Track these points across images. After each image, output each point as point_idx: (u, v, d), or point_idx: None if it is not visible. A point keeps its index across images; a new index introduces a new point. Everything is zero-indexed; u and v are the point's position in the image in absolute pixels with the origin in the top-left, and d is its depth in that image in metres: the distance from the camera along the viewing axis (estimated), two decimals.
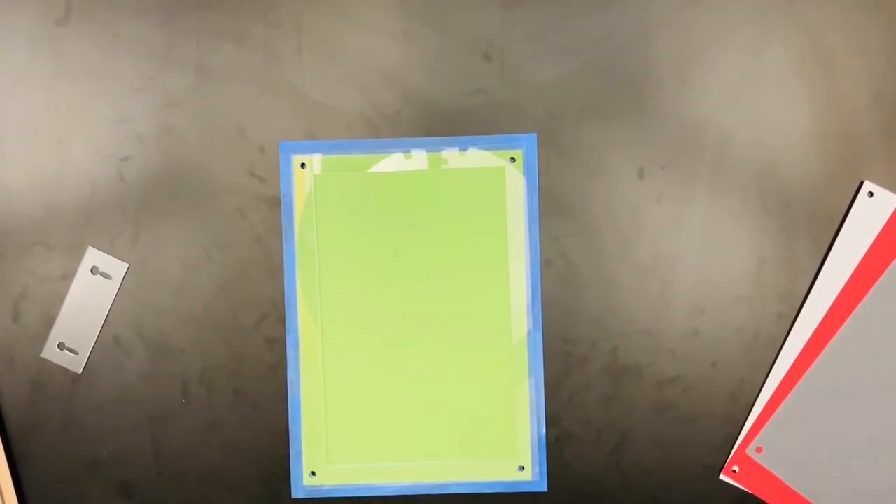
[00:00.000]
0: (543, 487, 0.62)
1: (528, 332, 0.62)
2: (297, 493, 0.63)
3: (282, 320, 0.62)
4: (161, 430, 0.63)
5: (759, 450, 0.62)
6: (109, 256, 0.63)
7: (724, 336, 0.62)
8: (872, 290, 0.61)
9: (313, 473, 0.62)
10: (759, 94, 0.62)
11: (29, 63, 0.62)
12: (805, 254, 0.62)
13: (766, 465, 0.62)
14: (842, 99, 0.62)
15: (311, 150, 0.62)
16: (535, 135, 0.62)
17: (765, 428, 0.62)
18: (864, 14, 0.62)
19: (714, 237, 0.62)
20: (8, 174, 0.63)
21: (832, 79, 0.62)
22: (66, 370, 0.63)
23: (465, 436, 0.62)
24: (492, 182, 0.62)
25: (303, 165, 0.62)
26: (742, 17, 0.62)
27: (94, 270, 0.63)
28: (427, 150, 0.62)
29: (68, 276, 0.63)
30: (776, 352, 0.62)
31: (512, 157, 0.61)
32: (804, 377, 0.62)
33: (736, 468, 0.63)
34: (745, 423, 0.62)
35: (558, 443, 0.62)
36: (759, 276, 0.62)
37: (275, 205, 0.62)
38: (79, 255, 0.63)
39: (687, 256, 0.62)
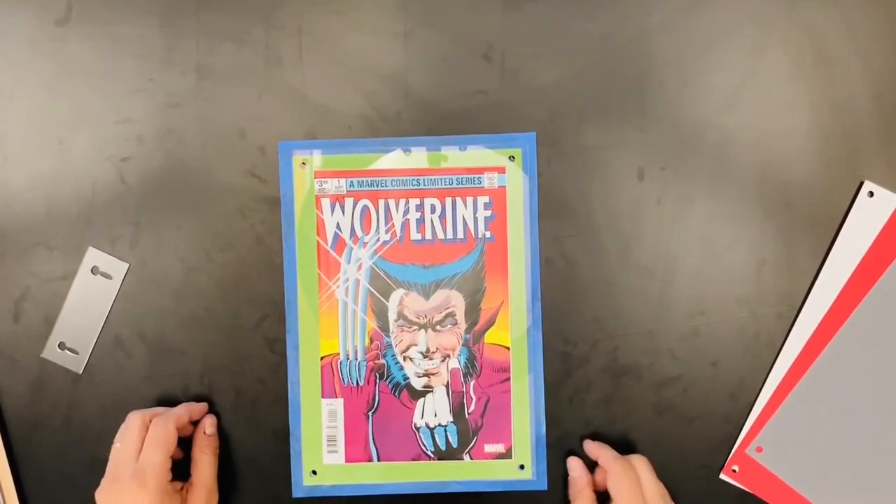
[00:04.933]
0: (543, 486, 0.62)
1: (528, 332, 0.62)
2: (297, 493, 0.63)
3: (282, 320, 0.62)
4: None
5: (758, 449, 0.62)
6: (110, 257, 0.63)
7: (724, 336, 0.62)
8: (872, 290, 0.61)
9: (314, 473, 0.62)
10: (759, 94, 0.62)
11: (29, 64, 0.62)
12: (805, 254, 0.62)
13: (765, 465, 0.62)
14: (842, 99, 0.62)
15: (311, 149, 0.62)
16: (533, 134, 0.62)
17: (765, 428, 0.62)
18: (864, 15, 0.62)
19: (714, 238, 0.62)
20: (9, 175, 0.63)
21: (832, 79, 0.62)
22: (66, 370, 0.63)
23: None
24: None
25: (303, 164, 0.62)
26: (742, 18, 0.62)
27: (94, 271, 0.63)
28: (427, 149, 0.62)
29: (69, 277, 0.63)
30: (776, 352, 0.62)
31: (511, 157, 0.61)
32: (804, 377, 0.62)
33: (736, 468, 0.63)
34: (744, 422, 0.62)
35: (558, 443, 0.62)
36: (759, 277, 0.62)
37: (275, 205, 0.62)
38: (79, 256, 0.63)
39: (687, 257, 0.62)
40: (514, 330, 0.62)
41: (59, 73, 0.62)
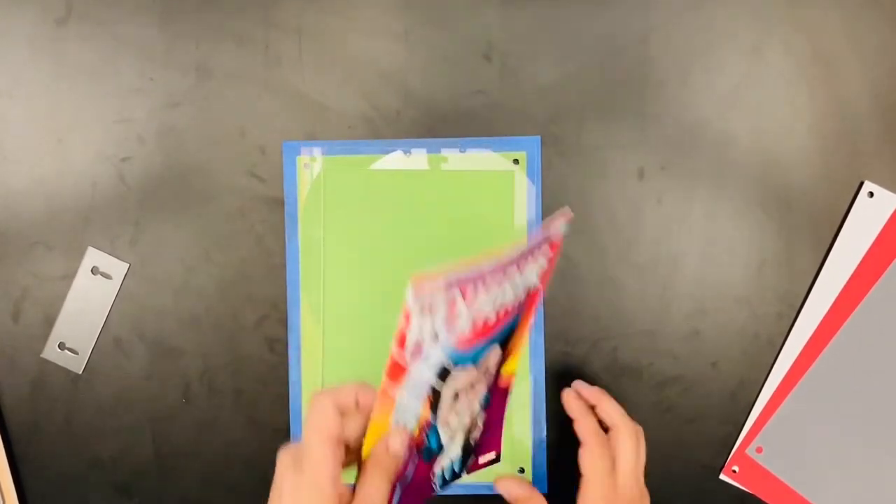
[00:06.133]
0: (544, 489, 0.62)
1: (529, 332, 0.62)
2: None
3: (282, 320, 0.62)
4: (161, 430, 0.63)
5: (758, 450, 0.62)
6: (110, 257, 0.63)
7: (724, 336, 0.62)
8: (872, 290, 0.61)
9: None
10: (759, 94, 0.62)
11: (29, 64, 0.62)
12: (805, 254, 0.62)
13: (765, 465, 0.62)
14: (842, 99, 0.62)
15: (314, 150, 0.62)
16: (538, 137, 0.61)
17: (765, 428, 0.62)
18: (863, 15, 0.62)
19: (714, 237, 0.62)
20: (9, 175, 0.63)
21: (832, 79, 0.62)
22: (66, 370, 0.63)
23: None
24: (500, 185, 0.62)
25: (305, 165, 0.62)
26: (742, 18, 0.62)
27: (94, 271, 0.63)
28: (427, 151, 0.61)
29: (69, 277, 0.63)
30: (776, 352, 0.62)
31: (515, 159, 0.61)
32: (804, 377, 0.62)
33: (736, 468, 0.63)
34: (744, 423, 0.62)
35: (558, 444, 0.62)
36: (760, 277, 0.62)
37: (275, 205, 0.62)
38: (79, 256, 0.63)
39: (687, 257, 0.62)
40: None
41: (59, 73, 0.62)
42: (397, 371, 0.48)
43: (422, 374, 0.49)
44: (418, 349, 0.49)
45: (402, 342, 0.47)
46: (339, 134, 0.62)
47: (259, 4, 0.62)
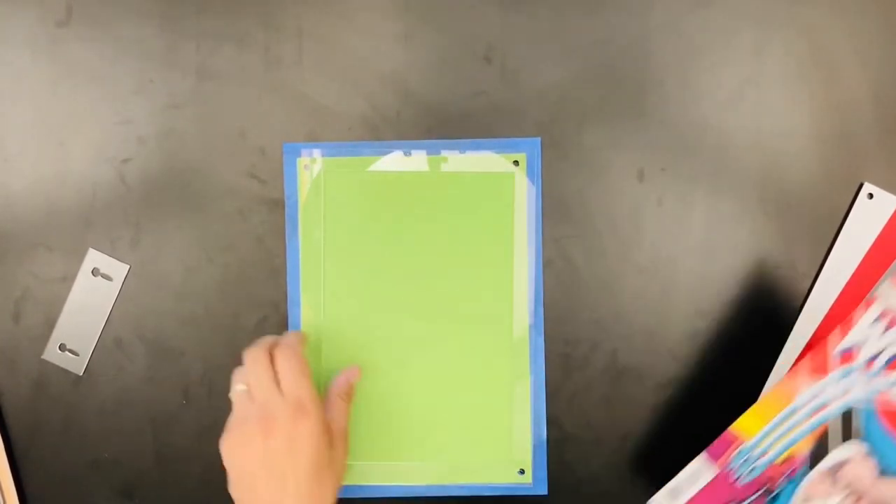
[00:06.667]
0: (544, 491, 0.62)
1: (529, 333, 0.62)
2: None
3: (282, 322, 0.62)
4: (162, 431, 0.63)
5: None
6: (110, 258, 0.63)
7: (723, 338, 0.62)
8: (872, 291, 0.61)
9: None
10: (759, 96, 0.62)
11: (30, 66, 0.62)
12: (805, 255, 0.62)
13: None
14: (842, 101, 0.62)
15: (314, 151, 0.62)
16: (538, 139, 0.62)
17: None
18: (863, 16, 0.62)
19: (714, 239, 0.62)
20: (9, 176, 0.63)
21: (832, 81, 0.62)
22: (67, 372, 0.63)
23: (465, 439, 0.62)
24: (500, 186, 0.62)
25: (305, 166, 0.62)
26: (742, 19, 0.62)
27: (95, 272, 0.63)
28: (427, 152, 0.62)
29: (69, 278, 0.63)
30: (776, 353, 0.62)
31: (515, 161, 0.61)
32: None
33: None
34: None
35: (558, 445, 0.63)
36: (760, 277, 0.62)
37: (275, 206, 0.62)
38: (80, 257, 0.63)
39: (687, 258, 0.62)
40: (516, 332, 0.62)
41: (60, 75, 0.62)
42: (820, 358, 0.41)
43: (829, 394, 0.42)
44: (848, 356, 0.42)
45: (845, 328, 0.41)
46: (339, 135, 0.62)
47: (259, 6, 0.62)
